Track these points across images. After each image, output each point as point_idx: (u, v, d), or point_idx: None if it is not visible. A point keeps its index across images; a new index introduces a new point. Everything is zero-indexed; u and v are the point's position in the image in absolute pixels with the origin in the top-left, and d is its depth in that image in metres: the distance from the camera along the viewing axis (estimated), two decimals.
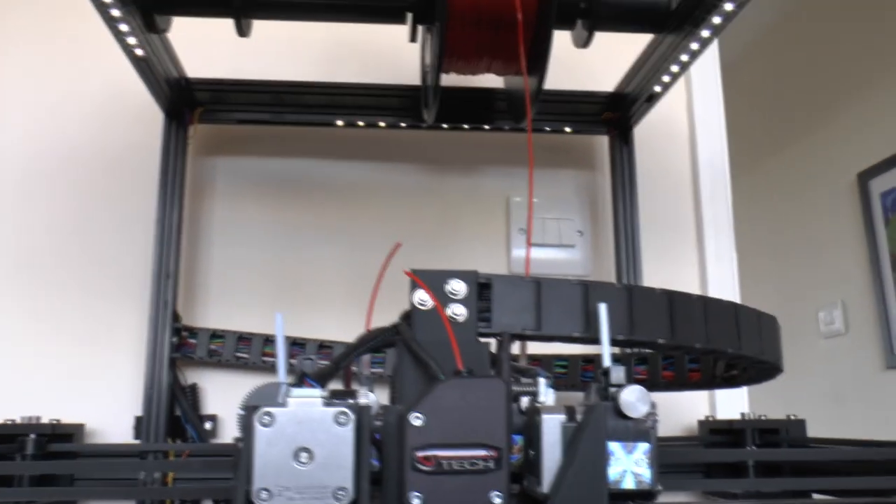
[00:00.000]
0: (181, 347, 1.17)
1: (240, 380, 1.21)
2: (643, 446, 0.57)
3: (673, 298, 0.70)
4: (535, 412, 0.56)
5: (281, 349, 0.61)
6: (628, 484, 0.56)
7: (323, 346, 1.20)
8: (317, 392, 0.54)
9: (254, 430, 0.53)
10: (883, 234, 2.59)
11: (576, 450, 0.55)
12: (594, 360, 1.16)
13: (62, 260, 1.24)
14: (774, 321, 0.79)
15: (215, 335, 1.19)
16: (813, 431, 1.13)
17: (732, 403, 1.29)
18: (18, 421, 1.10)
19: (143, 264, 1.23)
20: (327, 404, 0.54)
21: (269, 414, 0.53)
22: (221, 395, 1.22)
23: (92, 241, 1.26)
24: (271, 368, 1.20)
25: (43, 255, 1.24)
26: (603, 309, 0.64)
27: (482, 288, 0.65)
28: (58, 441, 1.08)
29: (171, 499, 1.11)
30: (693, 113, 1.40)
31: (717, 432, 1.17)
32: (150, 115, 1.23)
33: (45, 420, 1.12)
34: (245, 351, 1.19)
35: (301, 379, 0.56)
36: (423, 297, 0.63)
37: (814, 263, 2.92)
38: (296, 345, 1.20)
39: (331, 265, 1.28)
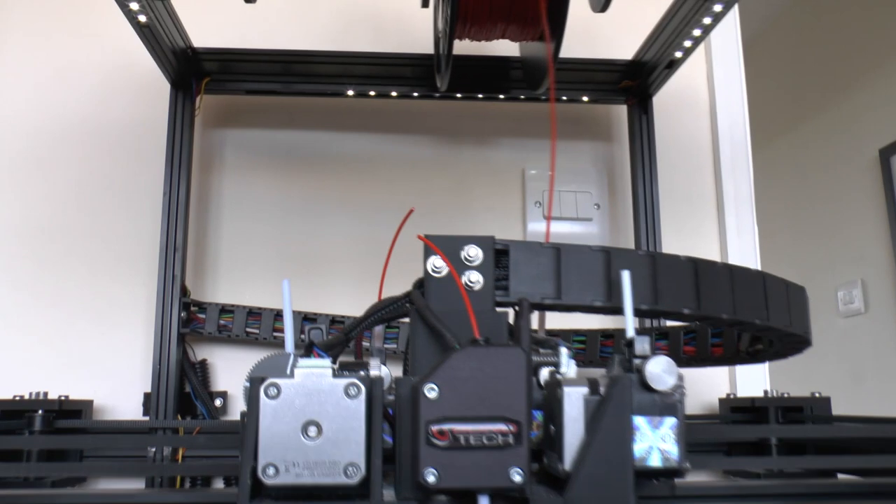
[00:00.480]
0: (190, 323, 1.14)
1: (250, 355, 1.19)
2: (670, 421, 0.54)
3: (698, 266, 0.66)
4: (555, 385, 0.53)
5: (288, 316, 0.58)
6: (654, 461, 0.53)
7: (335, 322, 1.18)
8: (326, 363, 0.51)
9: (259, 403, 0.50)
10: None
11: (599, 425, 0.52)
12: (613, 335, 1.13)
13: (68, 235, 1.22)
14: (803, 292, 0.75)
15: (224, 310, 1.17)
16: (834, 410, 1.10)
17: (753, 381, 1.26)
18: (26, 397, 1.08)
19: (150, 239, 1.20)
20: (337, 376, 0.52)
21: (275, 385, 0.50)
22: (231, 371, 1.20)
23: (98, 215, 1.23)
24: (282, 343, 1.17)
25: (48, 229, 1.22)
26: (626, 276, 0.61)
27: (499, 255, 0.62)
28: (66, 417, 1.06)
29: (180, 475, 1.10)
30: (713, 83, 1.36)
31: (738, 410, 1.14)
32: (156, 86, 1.21)
33: (52, 396, 1.11)
34: (255, 326, 1.17)
35: (310, 349, 0.53)
36: (437, 264, 0.60)
37: (833, 241, 2.87)
38: (307, 320, 1.18)
39: (342, 238, 1.25)
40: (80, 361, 1.18)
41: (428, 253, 0.61)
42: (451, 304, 0.59)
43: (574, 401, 0.53)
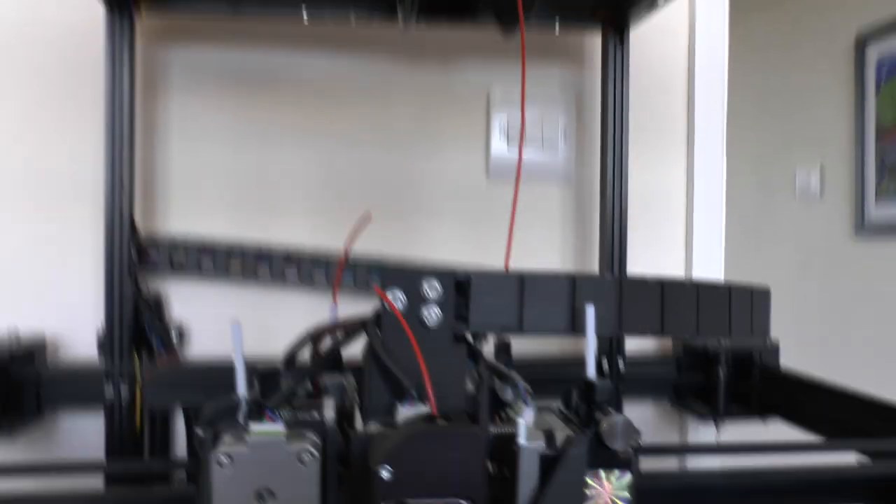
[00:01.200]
0: (141, 258, 1.11)
1: (205, 290, 1.17)
2: (624, 476, 0.54)
3: (665, 290, 0.65)
4: (511, 439, 0.53)
5: (239, 360, 0.56)
6: None
7: (289, 258, 1.16)
8: (278, 429, 0.50)
9: (211, 471, 0.49)
10: (872, 102, 2.52)
11: (553, 481, 0.52)
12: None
13: (6, 167, 1.15)
14: (766, 296, 0.75)
15: (176, 245, 1.13)
16: (779, 299, 1.11)
17: (708, 266, 1.27)
18: None
19: (95, 169, 1.14)
20: (290, 438, 0.51)
21: (227, 455, 0.49)
22: (187, 305, 1.18)
23: (38, 145, 1.15)
24: (238, 277, 1.15)
25: None
26: (590, 314, 0.60)
27: (460, 286, 0.60)
28: (19, 361, 1.05)
29: (139, 411, 1.10)
30: (694, 14, 1.28)
31: (690, 352, 1.17)
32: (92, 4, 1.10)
33: (2, 328, 1.09)
34: (209, 261, 1.14)
35: (261, 411, 0.52)
36: (395, 296, 0.58)
37: (798, 120, 2.85)
38: (261, 257, 1.15)
39: (298, 167, 1.20)
40: (32, 294, 1.15)
41: (384, 287, 0.58)
42: (408, 340, 0.57)
43: (530, 457, 0.53)
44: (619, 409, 1.17)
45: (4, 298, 1.14)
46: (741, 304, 0.70)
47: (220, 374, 1.10)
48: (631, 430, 0.53)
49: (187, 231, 1.17)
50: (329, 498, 0.51)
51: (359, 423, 0.57)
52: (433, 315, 0.58)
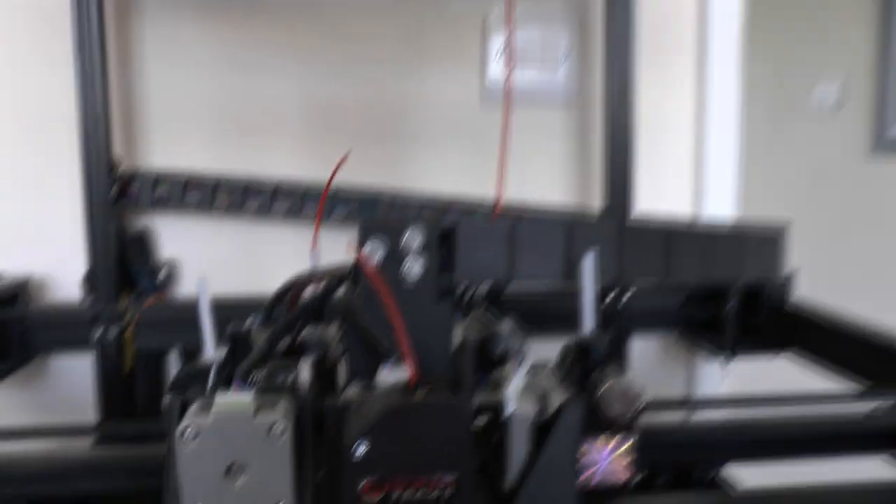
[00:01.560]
0: (123, 195, 1.06)
1: (192, 224, 1.13)
2: (623, 441, 0.51)
3: (671, 236, 0.60)
4: (500, 395, 0.49)
5: (206, 318, 0.52)
6: (600, 480, 0.51)
7: (278, 191, 1.10)
8: (246, 400, 0.46)
9: (176, 446, 0.46)
10: None
11: (544, 450, 0.49)
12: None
13: None
14: (781, 236, 0.69)
15: (159, 180, 1.08)
16: (792, 220, 1.07)
17: (721, 206, 1.22)
18: None
19: (70, 102, 1.08)
20: (259, 409, 0.47)
21: (193, 427, 0.46)
22: (174, 241, 1.13)
23: (10, 79, 1.09)
24: (224, 211, 1.10)
25: None
26: (588, 264, 0.55)
27: (446, 236, 0.55)
28: (2, 304, 1.02)
29: (131, 354, 1.08)
30: None
31: (700, 286, 1.12)
32: None
33: None
34: (194, 195, 1.09)
35: (228, 380, 0.48)
36: (373, 250, 0.53)
37: (819, 31, 2.72)
38: (249, 190, 1.10)
39: (285, 93, 1.14)
40: (14, 235, 1.10)
41: (363, 237, 0.53)
42: (393, 293, 0.53)
43: (520, 425, 0.49)
44: (622, 349, 1.13)
45: None
46: (754, 248, 0.65)
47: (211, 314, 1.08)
48: (631, 394, 0.49)
49: (170, 165, 1.11)
50: (304, 472, 0.48)
51: (342, 381, 0.53)
52: (415, 268, 0.53)
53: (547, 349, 1.18)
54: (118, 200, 1.05)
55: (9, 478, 0.61)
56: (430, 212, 1.12)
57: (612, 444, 0.50)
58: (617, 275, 0.59)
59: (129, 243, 1.08)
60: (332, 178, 0.72)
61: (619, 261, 0.58)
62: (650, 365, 1.23)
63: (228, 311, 1.03)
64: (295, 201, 1.11)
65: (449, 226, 0.54)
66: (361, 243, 0.53)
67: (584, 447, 0.50)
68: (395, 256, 0.53)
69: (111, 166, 1.03)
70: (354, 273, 0.54)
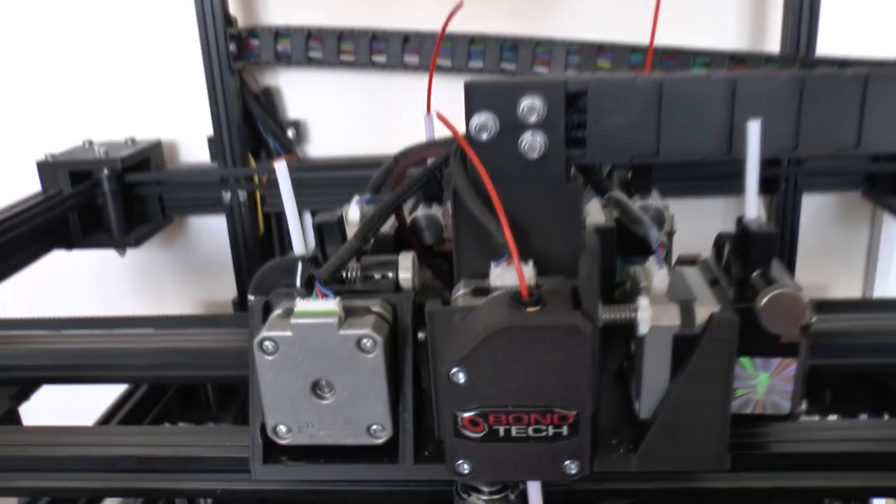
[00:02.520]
0: (243, 53, 1.00)
1: (320, 76, 1.06)
2: (786, 365, 0.40)
3: (870, 85, 0.45)
4: (633, 310, 0.40)
5: (290, 206, 0.45)
6: (758, 409, 0.42)
7: (407, 41, 1.00)
8: (329, 307, 0.40)
9: (256, 360, 0.41)
10: None
11: (688, 373, 0.40)
12: (745, 60, 0.91)
13: None
14: None
15: (280, 34, 1.01)
16: None
17: None
18: (95, 142, 1.03)
19: None
20: (344, 319, 0.40)
21: (271, 340, 0.40)
22: (302, 97, 1.07)
23: None
24: (351, 67, 1.02)
25: None
26: (754, 131, 0.43)
27: (573, 100, 0.44)
28: (135, 170, 1.01)
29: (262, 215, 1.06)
30: None
31: None
32: None
33: (120, 138, 1.05)
34: (317, 49, 1.02)
35: (310, 284, 0.41)
36: (483, 123, 0.43)
37: None
38: (375, 39, 1.01)
39: None
40: (145, 103, 1.08)
41: (471, 108, 0.43)
42: (506, 174, 0.44)
43: (659, 342, 0.40)
44: (793, 224, 0.99)
45: (117, 112, 1.08)
46: None
47: (342, 174, 1.03)
48: (799, 308, 0.38)
49: (290, 21, 1.03)
50: (404, 390, 0.42)
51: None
52: (536, 143, 0.43)
53: (701, 220, 1.04)
54: (238, 58, 0.99)
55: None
56: (581, 58, 0.99)
57: (774, 366, 0.41)
58: (793, 144, 0.46)
59: (254, 102, 1.03)
60: (447, 22, 0.62)
61: (797, 125, 0.46)
62: (826, 228, 1.07)
63: (360, 172, 0.98)
64: (428, 50, 1.01)
65: (577, 88, 0.43)
66: (468, 112, 0.44)
67: (738, 370, 0.40)
68: (509, 128, 0.43)
69: (227, 22, 0.97)
70: (461, 150, 0.45)
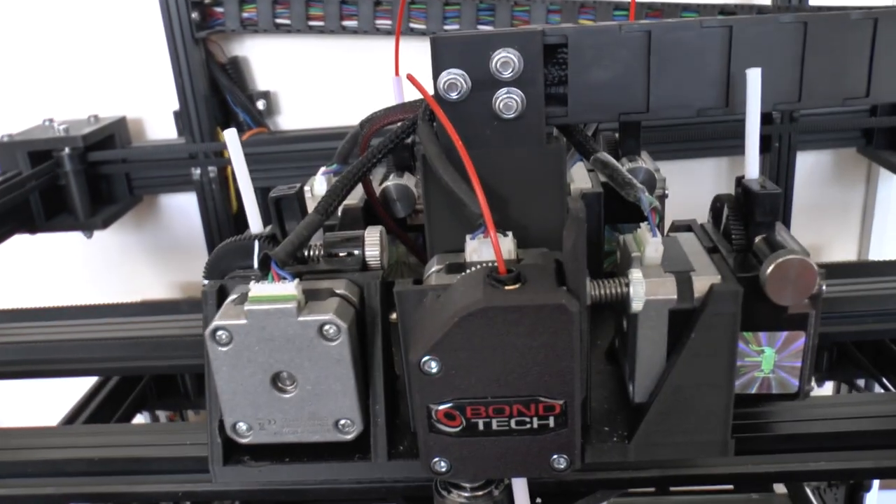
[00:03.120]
0: (207, 21, 0.95)
1: (289, 44, 1.00)
2: (794, 338, 0.37)
3: (880, 27, 0.41)
4: (625, 284, 0.36)
5: (244, 181, 0.41)
6: (763, 388, 0.38)
7: (378, 3, 0.95)
8: (287, 292, 0.36)
9: (209, 352, 0.37)
10: None
11: (687, 351, 0.36)
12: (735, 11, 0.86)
13: None
14: None
15: (245, 0, 0.95)
16: None
17: None
18: (56, 121, 0.98)
19: None
20: (306, 303, 0.36)
21: (224, 330, 0.36)
22: (272, 66, 1.02)
23: None
24: (321, 33, 0.97)
25: None
26: (754, 80, 0.39)
27: (551, 52, 0.40)
28: (98, 148, 0.96)
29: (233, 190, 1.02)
30: None
31: None
32: None
33: (83, 116, 1.00)
34: (285, 15, 0.96)
35: (266, 265, 0.37)
36: (453, 81, 0.39)
37: None
38: (345, 3, 0.95)
39: None
40: (103, 80, 1.03)
41: (438, 65, 0.39)
42: (479, 137, 0.39)
43: (654, 318, 0.36)
44: (789, 183, 0.95)
45: (79, 89, 1.03)
46: None
47: (315, 146, 0.98)
48: (809, 276, 0.34)
49: None
50: (374, 380, 0.38)
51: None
52: (513, 102, 0.39)
53: (692, 183, 1.00)
54: (202, 27, 0.94)
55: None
56: (561, 18, 0.94)
57: (781, 341, 0.37)
58: (796, 97, 0.42)
59: (221, 74, 0.98)
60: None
61: (800, 73, 0.41)
62: (821, 186, 1.03)
63: (335, 143, 0.94)
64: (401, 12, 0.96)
65: (557, 38, 0.39)
66: (435, 70, 0.39)
67: (742, 346, 0.37)
68: (482, 85, 0.39)
69: None
70: (429, 112, 0.41)
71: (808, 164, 1.01)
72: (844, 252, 1.07)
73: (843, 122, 0.95)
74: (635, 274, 0.35)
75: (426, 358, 0.32)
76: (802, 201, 1.01)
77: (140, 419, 1.00)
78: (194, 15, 0.92)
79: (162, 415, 1.04)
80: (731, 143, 0.95)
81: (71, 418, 0.82)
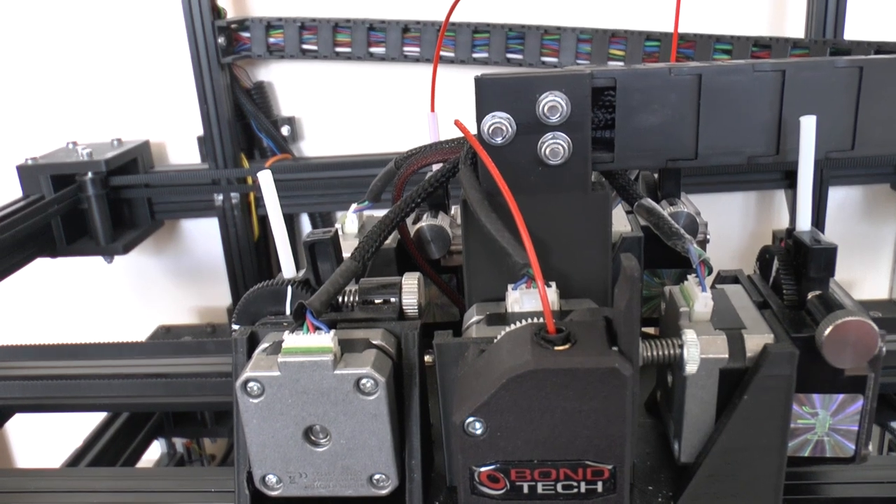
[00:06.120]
0: (233, 46, 0.94)
1: (316, 70, 1.00)
2: (852, 402, 0.35)
3: None
4: (678, 346, 0.34)
5: (277, 223, 0.40)
6: (817, 451, 0.36)
7: (407, 31, 0.94)
8: (323, 343, 0.34)
9: (239, 403, 0.35)
10: None
11: (738, 412, 0.34)
12: (771, 46, 0.84)
13: None
14: None
15: (272, 26, 0.95)
16: None
17: None
18: (79, 144, 0.97)
19: None
20: (342, 355, 0.35)
21: (257, 381, 0.35)
22: (297, 92, 1.02)
23: None
24: (348, 59, 0.97)
25: None
26: (808, 127, 0.37)
27: (599, 95, 0.38)
28: (120, 173, 0.96)
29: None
30: None
31: None
32: None
33: (106, 139, 0.99)
34: (312, 41, 0.96)
35: (301, 315, 0.35)
36: (497, 126, 0.38)
37: None
38: (373, 29, 0.95)
39: None
40: (127, 103, 1.02)
41: (483, 107, 0.38)
42: (523, 183, 0.38)
43: (704, 377, 0.35)
44: (820, 218, 0.93)
45: (103, 112, 1.03)
46: None
47: (340, 174, 0.97)
48: (870, 339, 0.33)
49: (283, 12, 0.97)
50: (411, 435, 0.36)
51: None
52: (559, 147, 0.38)
53: (722, 213, 0.98)
54: (228, 52, 0.94)
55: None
56: (592, 46, 0.93)
57: (835, 404, 0.35)
58: (849, 144, 0.40)
59: (246, 99, 0.98)
60: (451, 10, 0.56)
61: (854, 119, 0.40)
62: (852, 222, 1.01)
63: (359, 171, 0.93)
64: (430, 39, 0.95)
65: (605, 81, 0.38)
66: (479, 112, 0.38)
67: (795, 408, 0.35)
68: (529, 129, 0.38)
69: (216, 14, 0.91)
70: (472, 155, 0.40)
71: (839, 199, 1.00)
72: (876, 289, 1.05)
73: (876, 157, 0.93)
74: (689, 335, 0.33)
75: (471, 419, 0.31)
76: (833, 237, 0.98)
77: (156, 445, 0.99)
78: (220, 40, 0.92)
79: (178, 441, 1.03)
80: (759, 177, 0.93)
81: (89, 444, 0.81)
